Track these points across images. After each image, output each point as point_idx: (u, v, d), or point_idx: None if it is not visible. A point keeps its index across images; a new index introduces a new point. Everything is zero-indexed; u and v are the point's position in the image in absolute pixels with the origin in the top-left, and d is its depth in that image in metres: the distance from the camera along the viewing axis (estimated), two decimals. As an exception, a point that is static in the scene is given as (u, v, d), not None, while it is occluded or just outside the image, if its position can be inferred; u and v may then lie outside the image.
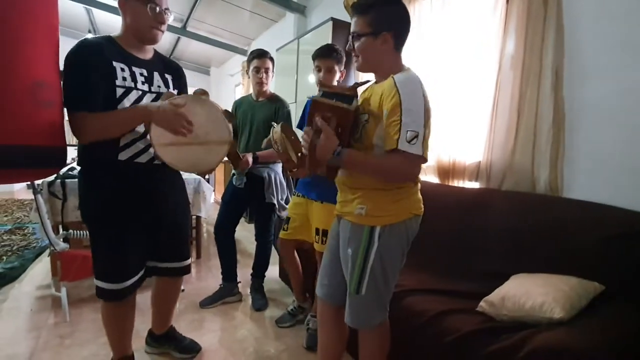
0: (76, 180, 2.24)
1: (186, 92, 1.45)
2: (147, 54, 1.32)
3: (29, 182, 1.74)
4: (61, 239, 2.04)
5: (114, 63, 1.18)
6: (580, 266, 1.26)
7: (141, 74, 1.25)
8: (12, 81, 0.94)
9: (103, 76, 1.15)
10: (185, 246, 1.53)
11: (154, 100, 1.29)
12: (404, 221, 1.10)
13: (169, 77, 1.37)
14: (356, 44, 1.10)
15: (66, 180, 2.22)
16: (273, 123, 1.38)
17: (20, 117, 0.97)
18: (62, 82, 1.11)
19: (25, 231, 3.41)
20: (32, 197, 1.81)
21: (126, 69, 1.21)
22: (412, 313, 1.29)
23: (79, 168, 1.31)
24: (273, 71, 2.14)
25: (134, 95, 1.22)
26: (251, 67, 2.09)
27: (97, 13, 4.90)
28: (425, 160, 1.00)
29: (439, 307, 1.27)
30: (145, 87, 1.27)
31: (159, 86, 1.31)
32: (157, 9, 1.22)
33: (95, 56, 1.15)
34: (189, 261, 1.54)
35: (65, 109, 1.13)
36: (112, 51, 1.20)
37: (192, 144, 1.23)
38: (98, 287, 1.29)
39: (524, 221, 1.51)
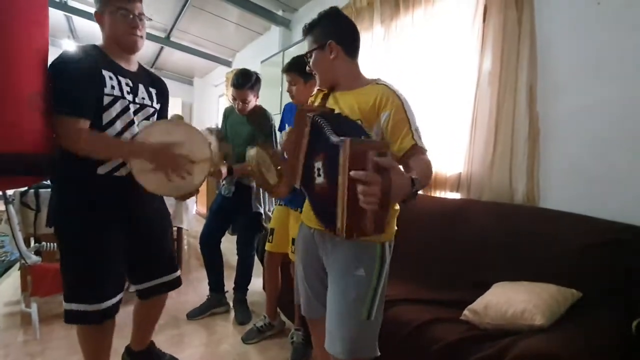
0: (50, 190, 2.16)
1: (167, 107, 1.47)
2: (132, 65, 1.32)
3: (-1, 192, 1.66)
4: (33, 252, 1.94)
5: (103, 71, 1.18)
6: (559, 274, 1.30)
7: (127, 84, 1.24)
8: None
9: (93, 83, 1.15)
10: (173, 257, 1.50)
11: (137, 110, 1.28)
12: (395, 231, 1.10)
13: (153, 90, 1.38)
14: (310, 62, 1.14)
15: (40, 190, 2.13)
16: (248, 148, 1.40)
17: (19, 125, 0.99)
18: (52, 88, 1.10)
19: (-7, 244, 3.23)
20: (3, 207, 1.73)
21: (114, 77, 1.20)
22: (397, 323, 1.29)
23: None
24: (257, 94, 2.07)
25: (120, 105, 1.21)
26: (231, 93, 2.07)
27: (77, 20, 4.81)
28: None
29: (424, 316, 1.28)
30: (130, 98, 1.25)
31: (143, 98, 1.31)
32: (130, 15, 1.22)
33: (85, 64, 1.15)
34: (179, 272, 1.49)
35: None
36: (100, 59, 1.20)
37: None
38: (69, 310, 1.18)
39: (503, 231, 1.55)
